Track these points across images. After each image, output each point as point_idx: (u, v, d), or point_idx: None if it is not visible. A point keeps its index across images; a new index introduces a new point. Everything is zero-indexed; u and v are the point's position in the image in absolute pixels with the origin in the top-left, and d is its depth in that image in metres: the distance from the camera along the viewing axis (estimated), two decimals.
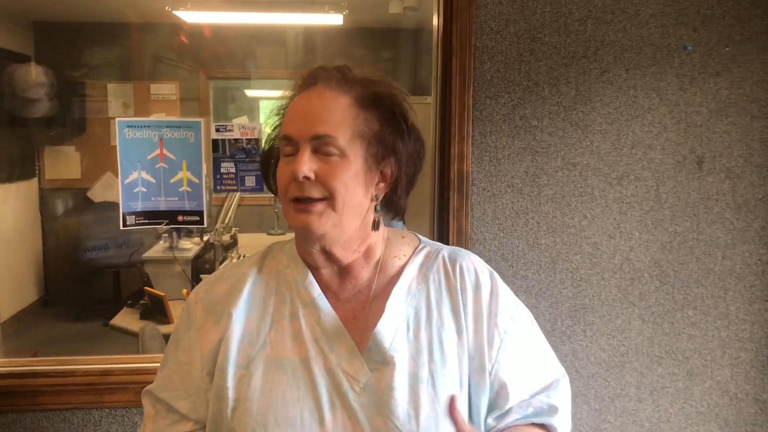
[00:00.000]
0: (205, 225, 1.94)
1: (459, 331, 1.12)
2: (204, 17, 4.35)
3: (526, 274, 1.98)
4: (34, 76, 4.29)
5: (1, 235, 4.92)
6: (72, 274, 5.40)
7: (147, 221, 1.92)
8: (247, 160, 1.96)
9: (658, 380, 2.05)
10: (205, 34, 5.15)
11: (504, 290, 1.17)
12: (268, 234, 4.38)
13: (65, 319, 5.24)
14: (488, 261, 1.26)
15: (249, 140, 1.96)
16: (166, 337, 1.27)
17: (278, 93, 1.16)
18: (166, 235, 3.69)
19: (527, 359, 1.16)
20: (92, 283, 5.39)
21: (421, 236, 1.25)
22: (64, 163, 5.40)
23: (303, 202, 1.05)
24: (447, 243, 1.92)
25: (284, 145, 1.07)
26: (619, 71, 1.94)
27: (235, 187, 1.97)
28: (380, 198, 1.12)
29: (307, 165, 1.03)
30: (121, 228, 1.87)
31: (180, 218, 1.93)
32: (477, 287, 1.15)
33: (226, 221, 3.61)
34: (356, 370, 1.07)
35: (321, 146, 1.04)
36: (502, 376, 1.12)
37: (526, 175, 1.95)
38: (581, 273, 1.99)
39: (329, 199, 1.05)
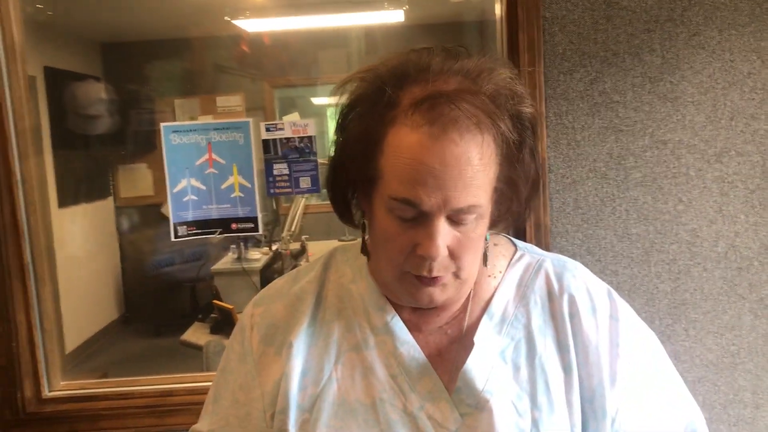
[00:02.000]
0: (260, 231, 1.82)
1: (567, 369, 0.91)
2: (263, 24, 4.29)
3: (616, 269, 1.76)
4: (94, 92, 4.32)
5: (81, 256, 5.01)
6: (150, 291, 5.47)
7: (199, 231, 1.81)
8: (301, 159, 1.83)
9: None
10: (265, 42, 5.11)
11: (626, 312, 0.96)
12: (340, 240, 4.27)
13: (145, 335, 5.29)
14: (572, 256, 1.07)
15: (302, 138, 1.83)
16: None
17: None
18: (234, 246, 3.63)
19: (660, 402, 0.94)
20: (170, 298, 5.42)
21: (516, 240, 1.02)
22: (137, 180, 5.46)
23: (427, 279, 0.86)
24: (524, 239, 1.73)
25: (398, 206, 0.82)
26: (712, 33, 1.71)
27: (290, 190, 1.84)
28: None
29: (443, 246, 0.82)
30: (173, 239, 1.76)
31: (234, 226, 1.81)
32: (593, 311, 0.93)
33: (293, 229, 3.50)
34: (444, 416, 0.88)
35: (459, 216, 0.82)
36: (628, 424, 0.91)
37: (610, 158, 1.74)
38: (679, 265, 1.77)
39: (456, 271, 0.87)
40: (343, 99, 0.88)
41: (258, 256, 3.67)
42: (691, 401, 0.98)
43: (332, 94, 0.89)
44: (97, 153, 5.26)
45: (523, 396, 0.89)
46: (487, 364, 0.90)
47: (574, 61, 1.72)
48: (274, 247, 3.69)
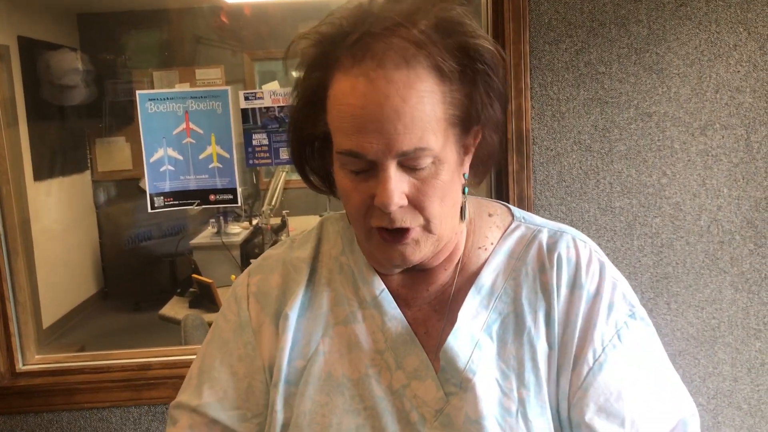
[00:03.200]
0: (239, 204, 1.78)
1: (551, 344, 0.86)
2: None
3: (599, 242, 1.74)
4: (68, 62, 4.22)
5: (58, 229, 4.94)
6: (129, 265, 5.41)
7: (177, 202, 1.77)
8: (281, 130, 1.78)
9: (756, 356, 1.80)
10: (245, 13, 5.01)
11: (612, 291, 0.88)
12: (321, 216, 4.23)
13: (124, 310, 5.24)
14: None
15: (281, 108, 1.78)
16: None
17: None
18: (213, 220, 3.58)
19: (638, 393, 0.86)
20: (149, 272, 5.37)
21: (516, 210, 0.97)
22: (114, 153, 5.37)
23: (393, 233, 0.82)
24: None
25: (348, 160, 0.80)
26: (699, 4, 1.68)
27: (269, 161, 1.80)
28: (468, 177, 0.87)
29: (397, 193, 0.77)
30: (149, 211, 1.72)
31: (212, 197, 1.77)
32: (573, 285, 0.88)
33: (273, 203, 3.46)
34: (429, 395, 0.85)
35: (410, 161, 0.78)
36: (589, 416, 0.83)
37: (595, 130, 1.72)
38: (662, 238, 1.76)
39: (425, 223, 0.82)
40: (295, 62, 0.86)
41: (238, 231, 3.63)
42: (684, 397, 0.90)
43: (284, 57, 0.86)
44: (74, 125, 5.17)
45: (509, 374, 0.85)
46: (470, 341, 0.86)
47: (560, 31, 1.69)
48: (254, 222, 3.65)
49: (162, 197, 1.75)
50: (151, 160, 1.73)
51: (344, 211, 0.93)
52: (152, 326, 4.40)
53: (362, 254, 0.92)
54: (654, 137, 1.72)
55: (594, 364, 0.85)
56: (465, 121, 0.82)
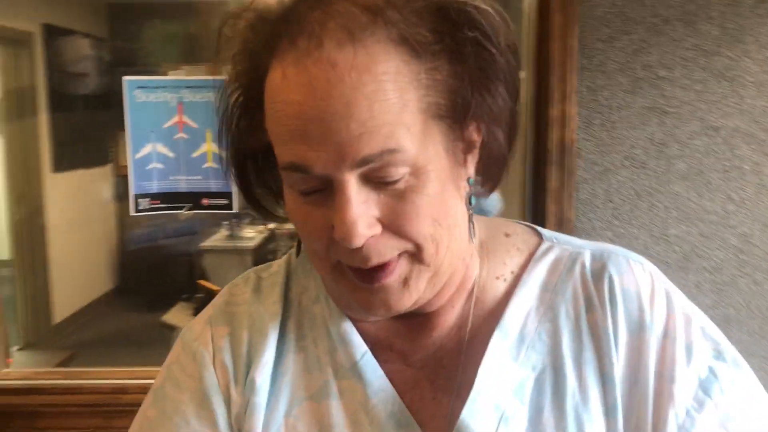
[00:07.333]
0: (235, 209, 1.56)
1: (610, 411, 0.64)
2: None
3: None
4: (80, 48, 4.08)
5: (76, 224, 4.83)
6: (146, 263, 5.30)
7: (164, 205, 1.56)
8: None
9: None
10: None
11: (687, 327, 0.66)
12: None
13: (138, 309, 5.11)
14: None
15: None
16: None
17: None
18: (227, 222, 3.39)
19: None
20: (166, 271, 5.25)
21: (543, 229, 0.74)
22: None
23: (368, 273, 0.59)
24: None
25: (293, 177, 0.59)
26: None
27: None
28: (473, 182, 0.64)
29: (362, 221, 0.56)
30: (132, 213, 1.51)
31: (205, 201, 1.55)
32: (636, 325, 0.65)
33: None
34: None
35: (376, 172, 0.56)
36: None
37: (651, 144, 1.51)
38: (725, 275, 1.54)
39: (414, 250, 0.60)
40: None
41: (252, 235, 3.44)
42: None
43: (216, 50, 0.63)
44: (98, 117, 5.07)
45: None
46: (494, 412, 0.63)
47: (616, 26, 1.49)
48: (270, 226, 3.46)
49: (148, 199, 1.54)
50: (138, 156, 1.52)
51: None
52: (158, 331, 4.26)
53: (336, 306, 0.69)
54: (721, 156, 1.51)
55: None
56: (455, 111, 0.58)
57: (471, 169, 0.63)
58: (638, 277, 0.67)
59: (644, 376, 0.63)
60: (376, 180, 0.56)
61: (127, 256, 5.46)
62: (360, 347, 0.66)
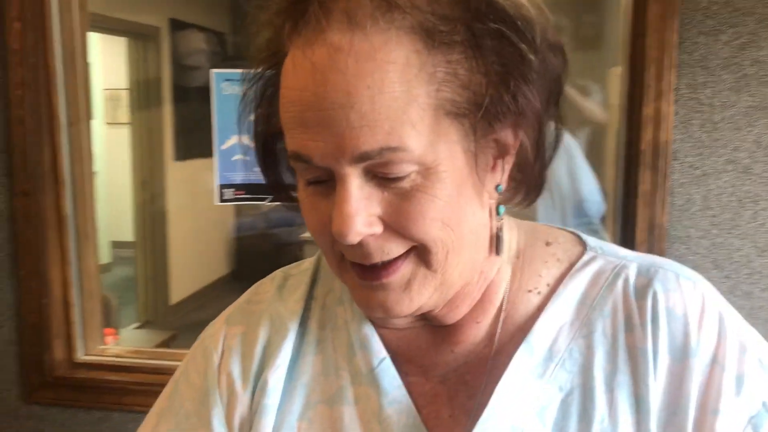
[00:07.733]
0: None
1: None
2: None
3: (750, 290, 1.39)
4: (194, 42, 4.25)
5: (194, 210, 5.07)
6: (259, 250, 5.47)
7: (248, 196, 1.59)
8: None
9: None
10: None
11: (741, 356, 0.60)
12: None
13: None
14: (693, 268, 0.69)
15: None
16: None
17: None
18: None
19: None
20: (277, 259, 5.40)
21: (589, 238, 0.69)
22: None
23: (370, 270, 0.57)
24: (632, 243, 1.39)
25: (298, 166, 0.58)
26: None
27: None
28: (503, 189, 0.60)
29: (359, 217, 0.53)
30: (216, 203, 1.56)
31: (291, 193, 1.58)
32: (680, 351, 0.59)
33: None
34: None
35: (379, 168, 0.53)
36: None
37: (758, 147, 1.37)
38: None
39: (419, 250, 0.56)
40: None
41: None
42: None
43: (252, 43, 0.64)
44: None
45: None
46: (514, 430, 0.59)
47: (722, 18, 1.36)
48: None
49: (232, 189, 1.58)
50: (223, 147, 1.56)
51: None
52: None
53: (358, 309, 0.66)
54: None
55: None
56: (476, 110, 0.54)
57: (502, 176, 0.59)
58: (687, 297, 0.60)
59: (684, 406, 0.57)
60: (380, 176, 0.53)
61: (241, 243, 5.68)
62: (379, 353, 0.64)
